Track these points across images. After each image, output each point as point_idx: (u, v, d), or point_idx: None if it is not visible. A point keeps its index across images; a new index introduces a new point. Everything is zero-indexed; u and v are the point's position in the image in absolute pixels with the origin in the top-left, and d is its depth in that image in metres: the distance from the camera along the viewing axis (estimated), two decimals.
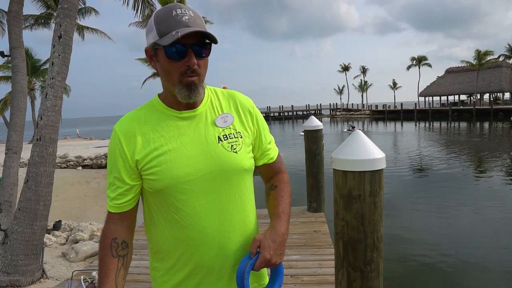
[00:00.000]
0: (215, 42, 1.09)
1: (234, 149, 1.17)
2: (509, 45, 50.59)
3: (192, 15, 1.06)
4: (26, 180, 4.16)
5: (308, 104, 77.59)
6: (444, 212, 8.77)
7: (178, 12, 1.05)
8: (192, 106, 1.17)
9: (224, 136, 1.17)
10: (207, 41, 1.09)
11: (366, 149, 1.93)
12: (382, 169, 1.95)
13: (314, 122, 5.61)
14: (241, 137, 1.20)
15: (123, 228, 1.17)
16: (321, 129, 5.64)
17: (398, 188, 11.17)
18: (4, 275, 3.97)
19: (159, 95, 1.22)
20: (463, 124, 37.52)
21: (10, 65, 6.48)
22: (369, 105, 69.78)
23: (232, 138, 1.18)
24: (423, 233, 7.50)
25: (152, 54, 1.12)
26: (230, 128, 1.20)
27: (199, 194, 1.13)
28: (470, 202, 9.58)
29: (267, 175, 1.36)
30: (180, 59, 1.06)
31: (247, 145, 1.22)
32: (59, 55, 4.21)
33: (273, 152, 1.34)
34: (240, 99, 1.28)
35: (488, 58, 49.38)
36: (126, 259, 1.16)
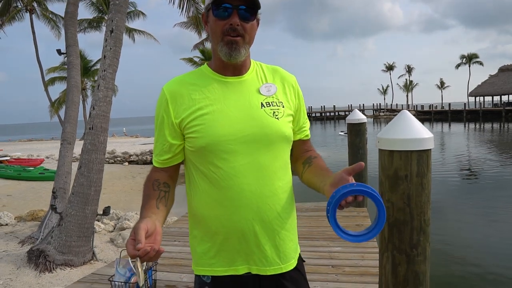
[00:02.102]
0: (259, 6, 1.15)
1: (276, 115, 1.20)
2: None
3: None
4: (79, 166, 4.42)
5: (351, 104, 75.99)
6: (494, 220, 8.22)
7: None
8: (238, 72, 1.22)
9: (267, 103, 1.21)
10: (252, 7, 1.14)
11: (413, 129, 1.88)
12: (430, 149, 1.89)
13: (357, 115, 5.51)
14: (283, 107, 1.23)
15: (165, 174, 1.24)
16: (365, 123, 5.53)
17: (444, 192, 10.57)
18: (59, 254, 4.25)
19: (207, 63, 1.27)
20: None
21: (66, 66, 6.90)
22: (414, 106, 67.22)
23: (275, 106, 1.21)
24: (470, 240, 7.07)
25: (206, 16, 1.20)
26: (273, 97, 1.23)
27: (240, 155, 1.15)
28: None
29: (300, 151, 1.36)
30: (225, 18, 1.12)
31: (288, 115, 1.25)
32: (110, 49, 4.43)
33: (308, 131, 1.38)
34: (285, 73, 1.32)
35: None
36: (168, 195, 1.20)
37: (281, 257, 1.23)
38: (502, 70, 56.38)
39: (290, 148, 1.29)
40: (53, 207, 5.05)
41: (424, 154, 1.86)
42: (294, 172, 1.37)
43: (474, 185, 11.95)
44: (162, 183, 1.21)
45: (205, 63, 1.29)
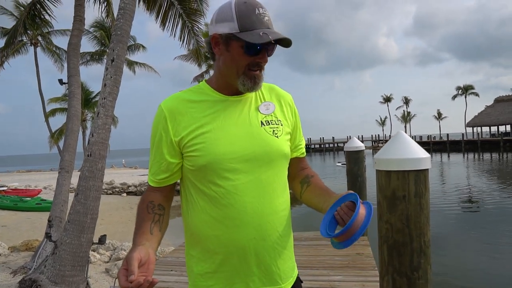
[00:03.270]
0: (288, 47, 1.16)
1: (276, 134, 1.21)
2: None
3: (270, 17, 1.15)
4: (76, 193, 4.38)
5: (349, 136, 76.34)
6: (496, 251, 8.05)
7: (260, 12, 1.11)
8: (238, 92, 1.22)
9: (266, 122, 1.22)
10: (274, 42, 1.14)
11: (410, 149, 1.89)
12: (427, 169, 1.89)
13: (355, 143, 5.53)
14: (282, 125, 1.24)
15: (161, 195, 1.22)
16: (363, 150, 5.53)
17: (445, 223, 10.36)
18: (52, 284, 4.13)
19: (206, 80, 1.28)
20: None
21: (67, 96, 7.02)
22: (413, 136, 67.62)
23: (274, 124, 1.22)
24: (472, 273, 6.89)
25: (222, 42, 1.15)
26: (271, 115, 1.24)
27: (241, 173, 1.15)
28: None
29: (297, 168, 1.37)
30: (255, 55, 1.13)
31: (286, 133, 1.26)
32: (111, 77, 4.50)
33: (304, 148, 1.39)
34: (281, 91, 1.34)
35: None
36: (162, 218, 1.18)
37: (281, 277, 1.21)
38: (498, 101, 57.22)
39: (288, 166, 1.30)
40: (47, 235, 4.97)
41: (421, 174, 1.86)
42: (291, 190, 1.37)
43: (475, 216, 11.81)
44: (157, 205, 1.19)
45: (203, 80, 1.30)
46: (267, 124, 1.21)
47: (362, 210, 1.05)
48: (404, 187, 1.85)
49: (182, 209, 1.27)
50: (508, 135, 50.78)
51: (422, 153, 1.88)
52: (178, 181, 1.26)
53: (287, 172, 1.29)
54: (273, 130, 1.21)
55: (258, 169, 1.17)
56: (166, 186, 1.23)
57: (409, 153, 1.87)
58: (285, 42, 1.14)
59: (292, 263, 1.28)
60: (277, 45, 1.16)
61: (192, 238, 1.23)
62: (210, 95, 1.22)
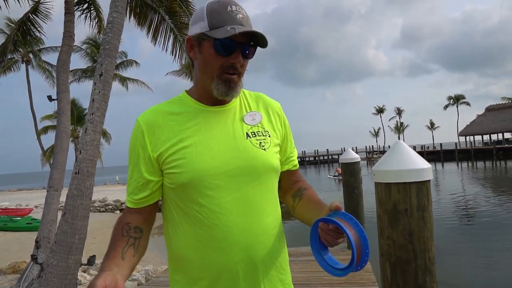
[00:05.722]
0: (264, 46, 1.07)
1: (263, 146, 1.11)
2: None
3: (245, 15, 1.05)
4: (63, 213, 4.21)
5: (344, 148, 76.58)
6: (491, 260, 7.95)
7: (233, 9, 1.03)
8: (221, 102, 1.13)
9: (252, 133, 1.12)
10: (252, 43, 1.07)
11: (410, 159, 1.79)
12: (429, 180, 1.78)
13: (350, 155, 5.44)
14: (269, 136, 1.15)
15: (139, 217, 1.11)
16: (359, 162, 5.45)
17: (440, 233, 10.32)
18: None
19: (186, 91, 1.18)
20: (510, 163, 35.38)
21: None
22: None
23: (261, 136, 1.13)
24: (468, 283, 6.78)
25: (195, 44, 1.08)
26: (258, 126, 1.15)
27: (226, 190, 1.05)
28: None
29: (289, 182, 1.27)
30: (227, 55, 1.04)
31: (275, 145, 1.16)
32: (99, 92, 4.39)
33: (296, 160, 1.29)
34: (269, 100, 1.24)
35: None
36: (138, 242, 1.07)
37: None
38: (489, 109, 57.93)
39: (278, 180, 1.19)
40: (33, 257, 4.77)
41: (423, 186, 1.76)
42: (284, 205, 1.26)
43: (469, 223, 11.73)
44: (133, 228, 1.07)
45: (184, 91, 1.19)
46: (253, 136, 1.11)
47: (347, 225, 0.92)
48: (406, 200, 1.74)
49: (164, 231, 1.16)
50: (501, 143, 51.20)
51: (423, 163, 1.78)
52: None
53: (277, 187, 1.18)
54: (260, 142, 1.11)
55: (245, 185, 1.07)
56: (145, 207, 1.11)
57: (410, 163, 1.76)
58: (259, 39, 1.04)
59: (285, 285, 1.16)
60: (257, 47, 1.08)
61: (176, 263, 1.12)
62: (191, 105, 1.12)
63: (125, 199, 1.17)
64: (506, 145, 48.62)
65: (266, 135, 1.14)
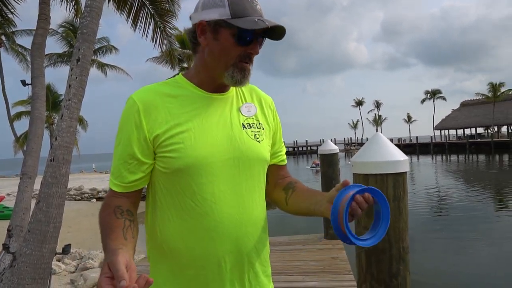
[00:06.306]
0: (280, 38, 1.07)
1: (257, 138, 1.12)
2: None
3: (261, 7, 1.06)
4: (37, 201, 4.11)
5: (322, 139, 77.39)
6: (462, 249, 8.28)
7: None
8: (220, 90, 1.12)
9: (248, 125, 1.12)
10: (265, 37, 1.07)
11: (388, 151, 1.83)
12: (406, 172, 1.83)
13: (329, 146, 5.51)
14: (263, 129, 1.16)
15: (127, 201, 1.05)
16: (337, 153, 5.52)
17: (412, 224, 10.58)
18: None
19: (183, 74, 1.15)
20: (482, 157, 36.70)
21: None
22: None
23: (255, 128, 1.13)
24: (439, 272, 7.01)
25: (210, 29, 1.03)
26: (253, 118, 1.15)
27: (220, 180, 1.04)
28: (489, 238, 9.03)
29: (277, 177, 1.26)
30: (246, 45, 1.03)
31: (268, 138, 1.17)
32: (76, 78, 4.27)
33: (284, 156, 1.29)
34: (262, 93, 1.25)
35: (503, 90, 49.06)
36: (133, 225, 1.00)
37: None
38: (464, 105, 59.71)
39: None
40: (5, 246, 4.63)
41: (400, 178, 1.80)
42: (272, 201, 1.26)
43: (441, 214, 12.12)
44: (126, 211, 1.01)
45: (180, 74, 1.16)
46: (249, 127, 1.11)
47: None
48: (383, 190, 1.76)
49: (145, 218, 1.13)
50: (473, 138, 52.91)
51: (400, 155, 1.82)
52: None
53: (265, 181, 1.18)
54: (255, 134, 1.11)
55: (238, 176, 1.06)
56: (133, 192, 1.06)
57: (388, 155, 1.80)
58: (279, 33, 1.05)
59: (266, 277, 1.17)
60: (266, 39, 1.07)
61: (160, 252, 1.08)
62: (190, 90, 1.10)
63: (101, 187, 1.13)
64: (479, 140, 50.31)
65: (260, 128, 1.14)
